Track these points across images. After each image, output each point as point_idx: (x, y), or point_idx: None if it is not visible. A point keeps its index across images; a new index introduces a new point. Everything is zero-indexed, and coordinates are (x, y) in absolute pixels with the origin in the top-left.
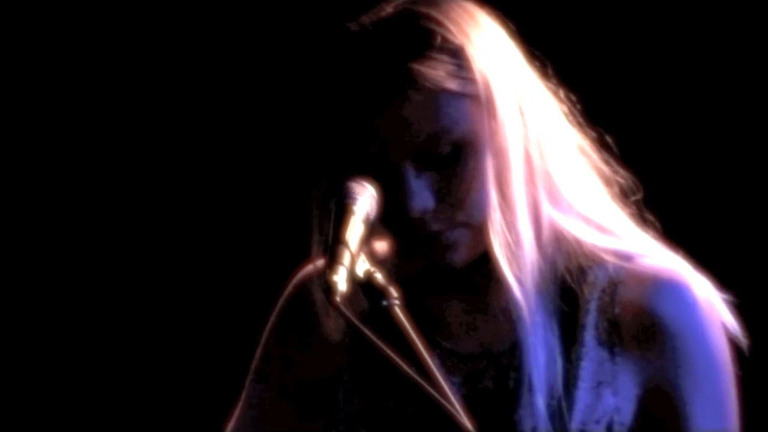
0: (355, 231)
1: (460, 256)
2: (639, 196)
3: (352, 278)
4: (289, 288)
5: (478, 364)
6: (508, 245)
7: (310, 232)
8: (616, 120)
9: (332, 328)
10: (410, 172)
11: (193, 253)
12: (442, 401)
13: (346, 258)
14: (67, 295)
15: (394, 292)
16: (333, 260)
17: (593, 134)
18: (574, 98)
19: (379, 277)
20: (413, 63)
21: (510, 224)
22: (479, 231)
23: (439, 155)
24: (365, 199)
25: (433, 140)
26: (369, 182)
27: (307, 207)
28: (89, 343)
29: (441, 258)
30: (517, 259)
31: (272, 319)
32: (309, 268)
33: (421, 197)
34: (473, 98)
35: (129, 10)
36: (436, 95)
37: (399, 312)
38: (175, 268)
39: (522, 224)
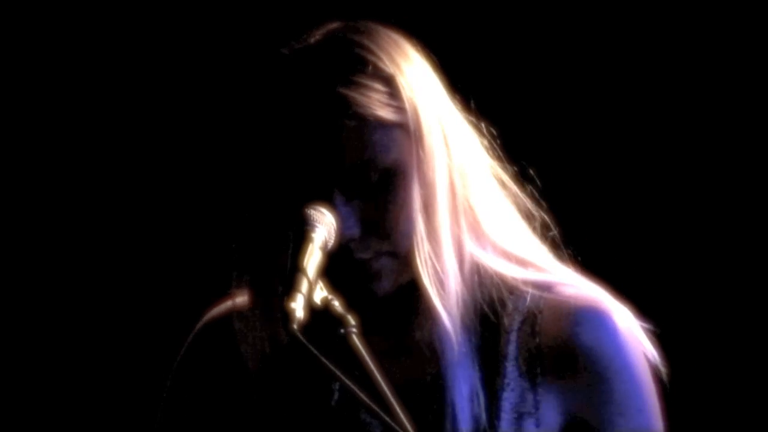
0: (313, 258)
1: (384, 286)
2: (557, 230)
3: (310, 306)
4: (201, 324)
5: (399, 396)
6: (437, 276)
7: (227, 268)
8: (536, 155)
9: (254, 361)
10: (338, 200)
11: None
12: (399, 430)
13: (303, 285)
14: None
15: (351, 320)
16: (291, 287)
17: (514, 168)
18: (494, 132)
19: (336, 304)
20: (345, 90)
21: (436, 255)
22: (404, 261)
23: (367, 183)
24: (324, 226)
25: (362, 168)
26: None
27: (225, 242)
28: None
29: (365, 287)
30: (443, 287)
31: (182, 354)
32: (225, 305)
33: (348, 225)
34: (403, 127)
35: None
36: (367, 123)
37: (356, 340)
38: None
39: (447, 255)
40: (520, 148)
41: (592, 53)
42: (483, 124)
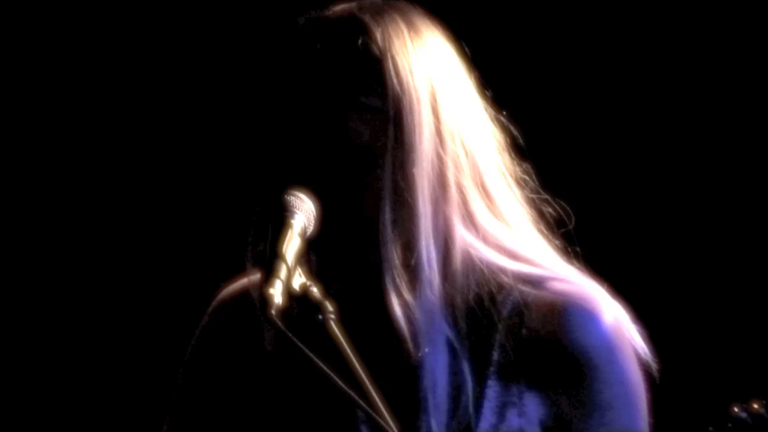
0: (292, 245)
1: (355, 268)
2: (567, 228)
3: (288, 292)
4: (215, 302)
5: (376, 382)
6: (395, 265)
7: (243, 247)
8: (544, 151)
9: (270, 340)
10: (310, 179)
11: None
12: (375, 415)
13: (282, 271)
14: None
15: (329, 306)
16: (270, 274)
17: (526, 164)
18: (510, 126)
19: (315, 290)
20: (326, 69)
21: (410, 244)
22: (376, 246)
23: (338, 165)
24: (303, 213)
25: (334, 149)
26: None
27: (240, 221)
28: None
29: (336, 267)
30: (413, 279)
31: (197, 334)
32: (239, 282)
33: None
34: (382, 113)
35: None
36: (345, 105)
37: (334, 326)
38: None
39: (424, 246)
40: (532, 143)
41: (606, 58)
42: (503, 118)
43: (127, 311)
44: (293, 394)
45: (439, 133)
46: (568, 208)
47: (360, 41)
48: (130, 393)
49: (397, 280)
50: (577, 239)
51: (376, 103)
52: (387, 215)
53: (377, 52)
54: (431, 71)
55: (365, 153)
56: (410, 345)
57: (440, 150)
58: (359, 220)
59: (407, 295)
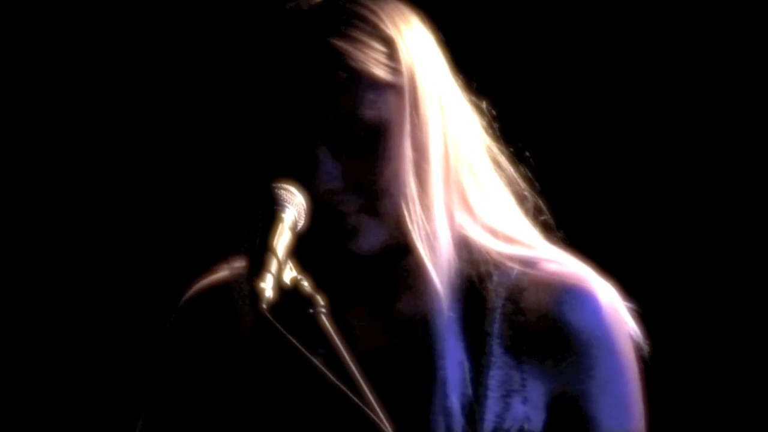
0: (282, 238)
1: (363, 245)
2: (550, 212)
3: (279, 285)
4: (185, 297)
5: (383, 366)
6: (427, 236)
7: (216, 241)
8: (533, 137)
9: (246, 329)
10: (322, 152)
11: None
12: (367, 410)
13: (273, 265)
14: None
15: (320, 300)
16: (260, 267)
17: (510, 149)
18: (493, 112)
19: (305, 284)
20: (342, 42)
21: (428, 218)
22: (387, 222)
23: (353, 139)
24: (294, 207)
25: (348, 122)
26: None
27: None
28: None
29: (343, 245)
30: (434, 252)
31: (169, 328)
32: (213, 276)
33: (330, 177)
34: (397, 89)
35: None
36: (360, 78)
37: (325, 320)
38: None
39: (438, 221)
40: (518, 129)
41: (592, 44)
42: (483, 104)
43: (95, 306)
44: (274, 383)
45: (442, 111)
46: (537, 193)
47: (371, 23)
48: (103, 389)
49: (430, 253)
50: (556, 224)
51: (393, 79)
52: (412, 189)
53: (388, 32)
54: (428, 51)
55: (383, 127)
56: (426, 324)
57: (443, 127)
58: (376, 193)
59: (436, 267)
